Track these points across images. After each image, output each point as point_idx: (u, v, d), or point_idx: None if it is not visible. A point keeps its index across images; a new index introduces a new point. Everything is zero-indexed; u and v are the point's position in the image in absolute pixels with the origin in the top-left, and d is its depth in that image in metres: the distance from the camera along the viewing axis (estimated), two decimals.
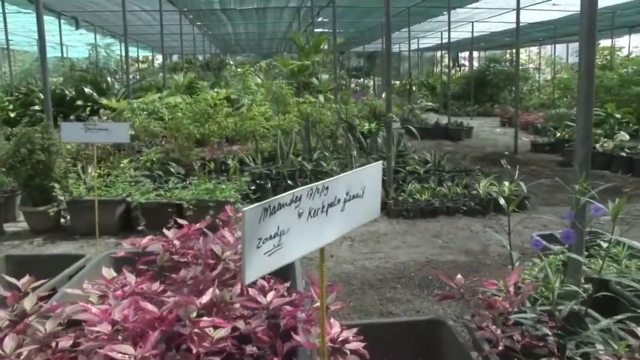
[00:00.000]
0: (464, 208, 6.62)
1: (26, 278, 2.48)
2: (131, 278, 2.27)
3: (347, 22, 21.28)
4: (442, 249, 5.37)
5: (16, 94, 14.06)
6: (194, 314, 1.75)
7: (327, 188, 1.52)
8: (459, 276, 2.51)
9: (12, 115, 12.83)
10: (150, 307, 1.78)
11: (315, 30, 16.85)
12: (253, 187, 7.36)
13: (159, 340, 1.69)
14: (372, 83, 32.27)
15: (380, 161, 1.82)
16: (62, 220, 6.22)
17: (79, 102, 13.05)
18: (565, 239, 2.41)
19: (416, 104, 18.21)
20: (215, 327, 1.77)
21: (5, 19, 14.84)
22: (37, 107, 12.92)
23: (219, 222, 2.85)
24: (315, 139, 9.80)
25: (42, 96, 13.32)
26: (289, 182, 7.86)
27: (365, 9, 18.18)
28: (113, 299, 2.00)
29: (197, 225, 2.63)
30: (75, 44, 23.17)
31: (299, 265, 3.49)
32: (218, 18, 20.25)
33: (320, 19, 19.76)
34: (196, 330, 1.70)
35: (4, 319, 2.22)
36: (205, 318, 1.74)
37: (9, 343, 2.02)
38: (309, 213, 1.48)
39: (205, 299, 1.80)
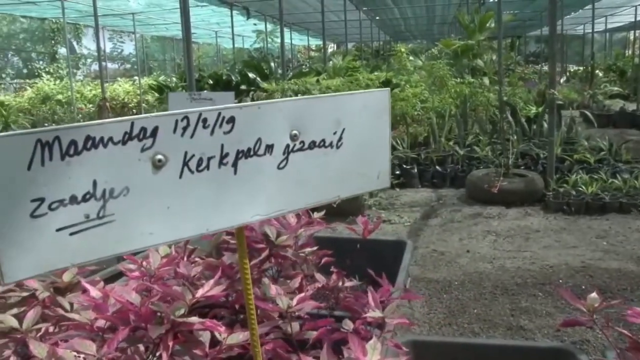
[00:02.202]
0: None
1: None
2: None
3: (522, 1, 19.61)
4: (605, 253, 4.42)
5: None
6: (181, 312, 1.33)
7: (232, 119, 0.89)
8: (593, 295, 1.80)
9: None
10: (132, 296, 1.40)
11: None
12: (398, 172, 6.89)
13: (134, 339, 1.32)
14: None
15: (387, 88, 1.11)
16: None
17: (243, 87, 13.48)
18: None
19: (598, 89, 16.24)
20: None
21: (182, 13, 15.80)
22: (205, 92, 13.58)
23: None
24: (472, 123, 9.01)
25: (211, 82, 14.10)
26: (438, 168, 7.24)
27: None
28: (130, 279, 1.68)
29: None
30: (249, 34, 24.22)
31: (408, 254, 2.94)
32: (384, 2, 19.82)
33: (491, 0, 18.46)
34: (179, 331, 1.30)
35: (40, 290, 2.03)
36: (193, 318, 1.32)
37: (30, 317, 1.83)
38: (185, 163, 0.86)
39: (201, 292, 1.37)
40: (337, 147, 1.01)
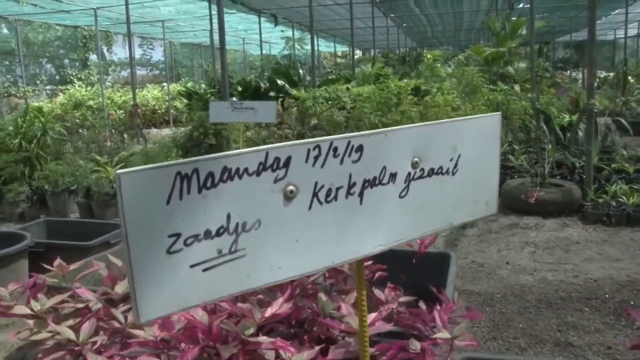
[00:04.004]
0: None
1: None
2: None
3: (552, 7, 19.37)
4: None
5: (218, 87, 15.05)
6: (250, 331, 1.32)
7: (361, 148, 0.87)
8: None
9: None
10: (199, 314, 1.40)
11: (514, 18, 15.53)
12: None
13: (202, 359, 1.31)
14: (580, 76, 29.23)
15: (498, 113, 1.12)
16: None
17: (272, 93, 13.54)
18: None
19: (631, 95, 15.94)
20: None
21: (211, 20, 15.89)
22: (234, 99, 13.70)
23: None
24: (505, 131, 8.91)
25: (240, 88, 14.20)
26: None
27: None
28: None
29: None
30: (276, 40, 24.35)
31: (453, 267, 2.91)
32: (411, 9, 19.78)
33: (520, 5, 18.30)
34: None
35: (93, 301, 2.05)
36: (262, 338, 1.31)
37: (85, 329, 1.84)
38: (315, 194, 0.85)
39: (271, 311, 1.36)
40: (453, 174, 0.99)
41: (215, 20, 16.12)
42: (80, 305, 2.14)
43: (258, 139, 7.97)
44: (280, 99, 12.95)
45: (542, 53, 29.44)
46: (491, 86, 10.22)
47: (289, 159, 0.84)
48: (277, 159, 0.83)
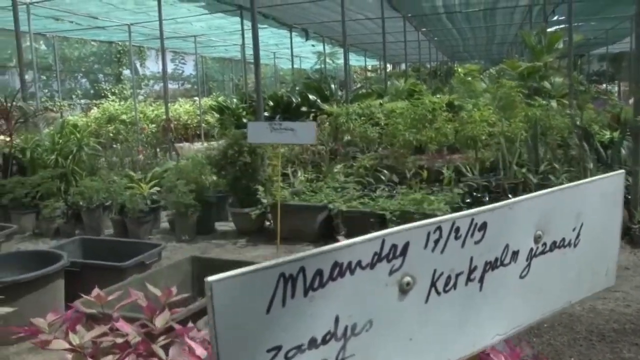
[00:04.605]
0: None
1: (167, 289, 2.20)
2: None
3: (587, 19, 19.02)
4: None
5: (250, 101, 15.06)
6: None
7: (484, 226, 0.76)
8: None
9: (244, 120, 13.75)
10: None
11: (549, 30, 15.27)
12: (468, 200, 6.67)
13: None
14: (616, 89, 28.57)
15: (622, 171, 0.98)
16: (266, 222, 6.21)
17: (304, 108, 13.49)
18: None
19: None
20: None
21: (243, 35, 15.98)
22: (265, 114, 13.69)
23: None
24: (543, 149, 8.67)
25: (271, 103, 14.20)
26: (510, 196, 6.97)
27: (609, 1, 15.99)
28: None
29: None
30: (307, 54, 24.40)
31: None
32: (443, 23, 19.65)
33: (555, 18, 18.01)
34: None
35: (133, 335, 1.96)
36: None
37: None
38: (433, 284, 0.73)
39: None
40: (575, 246, 0.86)
41: (247, 35, 16.26)
42: (119, 340, 2.06)
43: (291, 155, 7.89)
44: (312, 114, 12.90)
45: (576, 66, 28.94)
46: (528, 101, 10.00)
47: (406, 246, 0.73)
48: (394, 246, 0.71)
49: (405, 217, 5.33)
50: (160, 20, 11.07)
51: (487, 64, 32.34)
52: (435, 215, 4.86)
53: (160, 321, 2.04)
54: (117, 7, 13.19)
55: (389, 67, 34.47)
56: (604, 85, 30.95)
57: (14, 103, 7.35)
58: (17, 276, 3.44)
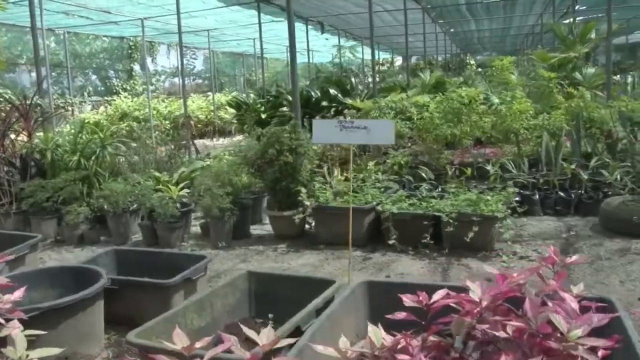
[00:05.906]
0: None
1: (268, 333, 1.78)
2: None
3: (606, 8, 18.46)
4: None
5: (267, 96, 14.64)
6: None
7: None
8: None
9: (263, 116, 13.33)
10: None
11: (565, 21, 14.79)
12: (517, 198, 6.23)
13: None
14: (630, 79, 27.87)
15: None
16: (306, 226, 5.79)
17: (324, 103, 13.05)
18: None
19: None
20: None
21: (260, 29, 15.54)
22: (285, 109, 13.27)
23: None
24: (585, 142, 8.20)
25: (290, 98, 13.75)
26: (561, 193, 6.54)
27: None
28: None
29: (517, 277, 1.68)
30: (319, 48, 23.96)
31: (629, 322, 2.30)
32: (462, 14, 19.17)
33: (577, 7, 17.48)
34: None
35: None
36: None
37: None
38: None
39: None
40: None
41: (264, 29, 15.82)
42: None
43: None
44: (333, 109, 12.45)
45: (590, 56, 28.22)
46: (567, 92, 9.56)
47: None
48: None
49: (462, 219, 4.91)
50: (178, 13, 10.66)
51: (499, 56, 31.73)
52: (495, 217, 4.34)
53: None
54: (130, 0, 12.79)
55: (399, 60, 33.92)
56: (617, 75, 30.26)
57: (34, 101, 6.91)
58: (53, 300, 3.03)
